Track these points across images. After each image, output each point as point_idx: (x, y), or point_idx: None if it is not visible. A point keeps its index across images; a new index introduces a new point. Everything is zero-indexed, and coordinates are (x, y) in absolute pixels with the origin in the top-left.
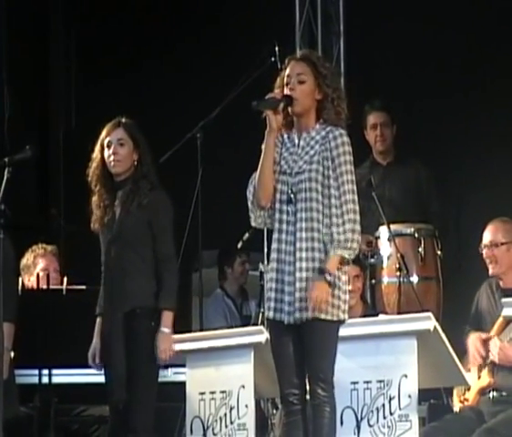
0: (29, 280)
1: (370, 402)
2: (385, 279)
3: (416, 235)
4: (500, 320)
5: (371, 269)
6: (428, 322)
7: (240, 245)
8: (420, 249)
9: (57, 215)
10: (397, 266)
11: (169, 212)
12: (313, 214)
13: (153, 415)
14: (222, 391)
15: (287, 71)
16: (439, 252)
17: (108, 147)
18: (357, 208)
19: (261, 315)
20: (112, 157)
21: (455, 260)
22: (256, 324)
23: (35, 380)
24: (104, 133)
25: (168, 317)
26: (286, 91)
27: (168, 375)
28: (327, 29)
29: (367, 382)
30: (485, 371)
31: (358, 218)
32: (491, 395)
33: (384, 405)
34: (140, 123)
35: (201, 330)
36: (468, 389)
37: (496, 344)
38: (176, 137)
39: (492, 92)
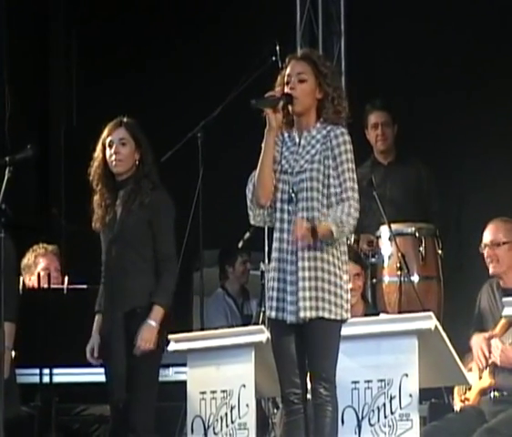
0: (30, 280)
1: (371, 402)
2: (386, 279)
3: (417, 234)
4: (503, 321)
5: (372, 268)
6: (429, 322)
7: (240, 244)
8: (421, 249)
9: (58, 214)
10: (398, 265)
11: (171, 212)
12: (314, 213)
13: (154, 415)
14: (223, 391)
15: (287, 70)
16: (440, 252)
17: (110, 146)
18: (356, 196)
19: (262, 314)
20: (114, 157)
21: (455, 260)
22: (257, 323)
23: (36, 379)
24: (105, 132)
25: (157, 311)
26: (286, 90)
27: (169, 374)
28: (328, 29)
29: (368, 382)
30: (486, 372)
31: (357, 206)
32: (492, 395)
33: (384, 404)
34: (141, 122)
35: (202, 329)
36: (469, 388)
37: (498, 346)
38: (177, 136)
39: (493, 92)
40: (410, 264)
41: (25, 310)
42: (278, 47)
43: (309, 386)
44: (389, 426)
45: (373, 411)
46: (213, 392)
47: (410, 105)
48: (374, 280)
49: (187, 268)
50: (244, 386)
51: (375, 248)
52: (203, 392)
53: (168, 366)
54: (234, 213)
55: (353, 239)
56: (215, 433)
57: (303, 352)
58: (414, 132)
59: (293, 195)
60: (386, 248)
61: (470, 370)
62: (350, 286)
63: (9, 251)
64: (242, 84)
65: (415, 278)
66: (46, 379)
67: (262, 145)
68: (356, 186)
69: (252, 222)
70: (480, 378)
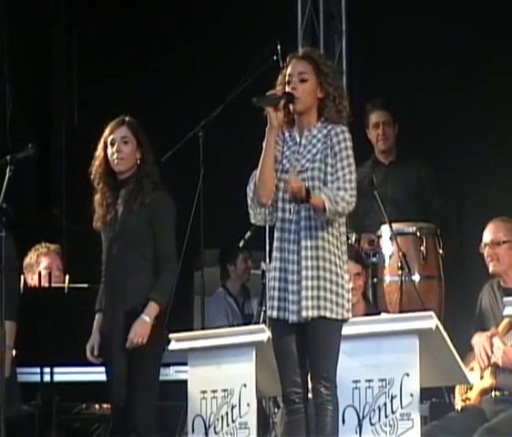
0: (32, 279)
1: (372, 401)
2: (387, 278)
3: (418, 234)
4: (505, 321)
5: (373, 267)
6: (430, 321)
7: (241, 243)
8: (422, 248)
9: (59, 213)
10: (399, 265)
11: (172, 212)
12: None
13: (154, 413)
14: (224, 390)
15: (288, 69)
16: (441, 251)
17: (112, 145)
18: (354, 190)
19: (262, 314)
20: (116, 155)
21: (456, 259)
22: (258, 323)
23: (37, 378)
24: (107, 131)
25: (152, 308)
26: (288, 89)
27: (170, 373)
28: (329, 28)
29: (369, 381)
30: (487, 372)
31: (353, 198)
32: (493, 394)
33: (385, 404)
34: (142, 122)
35: (203, 328)
36: (470, 388)
37: (500, 347)
38: (178, 135)
39: (494, 91)
40: (411, 263)
41: (25, 309)
42: (279, 47)
43: (310, 385)
44: (390, 425)
45: (373, 410)
46: (214, 392)
47: (411, 104)
48: (375, 280)
49: (188, 267)
50: (245, 385)
51: (376, 247)
52: (204, 391)
53: (168, 365)
54: (235, 212)
55: (354, 239)
56: (216, 432)
57: (304, 352)
58: (414, 131)
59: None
60: (387, 247)
61: (471, 369)
62: (351, 285)
63: (10, 250)
64: (243, 83)
65: (416, 277)
66: (46, 378)
67: (263, 144)
68: (355, 181)
69: (253, 221)
70: (481, 378)
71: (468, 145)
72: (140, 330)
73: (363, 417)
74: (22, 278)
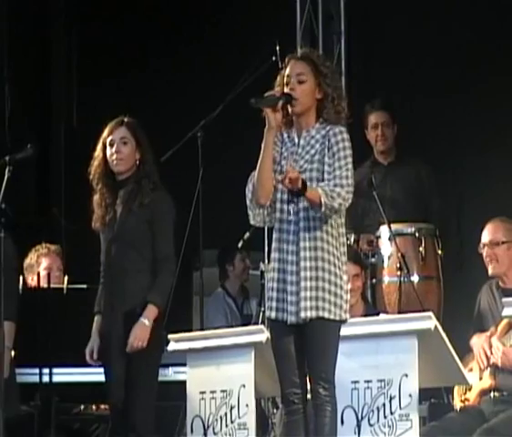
0: (33, 280)
1: (370, 402)
2: (386, 279)
3: (417, 234)
4: (504, 321)
5: (371, 268)
6: (429, 322)
7: (240, 244)
8: (421, 249)
9: (58, 214)
10: (398, 265)
11: (171, 212)
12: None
13: (153, 414)
14: (223, 391)
15: (287, 70)
16: (440, 251)
17: (111, 145)
18: (351, 187)
19: (261, 314)
20: (115, 156)
21: (455, 260)
22: (257, 323)
23: (36, 378)
24: (106, 131)
25: (151, 310)
26: (286, 90)
27: (169, 374)
28: (328, 28)
29: (368, 382)
30: (486, 373)
31: (350, 195)
32: (492, 395)
33: (384, 405)
34: (142, 122)
35: (202, 329)
36: (469, 389)
37: (499, 348)
38: (177, 135)
39: (493, 92)
40: (410, 264)
41: (24, 310)
42: (278, 47)
43: (309, 386)
44: (389, 426)
45: (372, 411)
46: (213, 392)
47: (410, 105)
48: (374, 280)
49: (187, 267)
50: (244, 386)
51: (375, 248)
52: (203, 392)
53: (167, 366)
54: (234, 213)
55: (353, 239)
56: (215, 433)
57: (303, 352)
58: (414, 132)
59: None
60: (386, 248)
61: (470, 370)
62: (349, 286)
63: (9, 251)
64: (242, 83)
65: (415, 278)
66: (45, 378)
67: (262, 145)
68: (352, 179)
69: (252, 222)
70: (480, 378)
71: (468, 145)
72: (140, 334)
73: (362, 418)
74: (21, 278)
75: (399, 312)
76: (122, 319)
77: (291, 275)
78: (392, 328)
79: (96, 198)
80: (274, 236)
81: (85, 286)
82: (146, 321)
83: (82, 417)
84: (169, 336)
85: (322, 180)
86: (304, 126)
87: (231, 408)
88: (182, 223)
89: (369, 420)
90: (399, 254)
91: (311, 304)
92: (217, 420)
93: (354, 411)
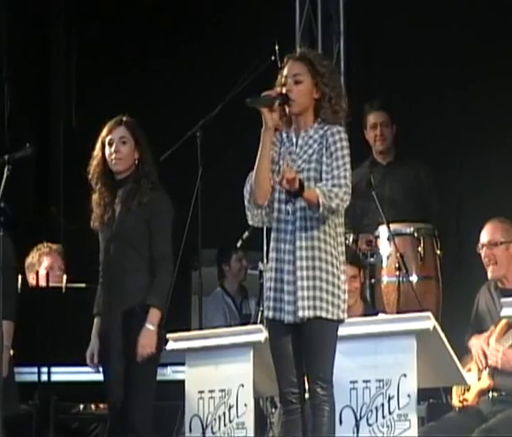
0: (34, 279)
1: (369, 402)
2: (385, 279)
3: (416, 234)
4: (502, 322)
5: (370, 268)
6: (427, 322)
7: (239, 244)
8: (419, 249)
9: (57, 213)
10: (397, 265)
11: (169, 212)
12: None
13: (152, 413)
14: (221, 390)
15: (285, 71)
16: (438, 252)
17: (110, 145)
18: (349, 188)
19: (260, 314)
20: (114, 155)
21: (454, 260)
22: (256, 323)
23: (35, 378)
24: (105, 131)
25: (154, 314)
26: (283, 91)
27: (168, 373)
28: (327, 28)
29: (366, 382)
30: (485, 373)
31: (348, 196)
32: (490, 395)
33: (383, 404)
34: (141, 121)
35: (201, 328)
36: (468, 389)
37: (499, 349)
38: (176, 135)
39: (493, 91)
40: (409, 264)
41: (23, 309)
42: (277, 47)
43: (307, 386)
44: (387, 426)
45: (371, 411)
46: (211, 392)
47: (409, 105)
48: (373, 280)
49: (185, 267)
50: (242, 385)
51: (374, 248)
52: (201, 391)
53: (166, 365)
54: (233, 212)
55: (351, 239)
56: (213, 432)
57: (301, 352)
58: (413, 132)
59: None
60: (385, 248)
61: (469, 370)
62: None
63: (8, 250)
64: (242, 83)
65: (414, 278)
66: (44, 377)
67: (259, 145)
68: (349, 179)
69: (250, 223)
70: (479, 379)
71: (467, 145)
72: (147, 341)
73: (361, 417)
74: (20, 277)
75: (398, 312)
76: (121, 318)
77: (288, 274)
78: (390, 328)
79: (94, 197)
80: (272, 235)
81: (83, 285)
82: (151, 327)
83: (81, 416)
84: (168, 335)
85: (320, 180)
86: (302, 125)
87: (230, 407)
88: (181, 222)
89: (367, 420)
90: (398, 254)
91: (308, 304)
92: (215, 419)
93: (353, 410)
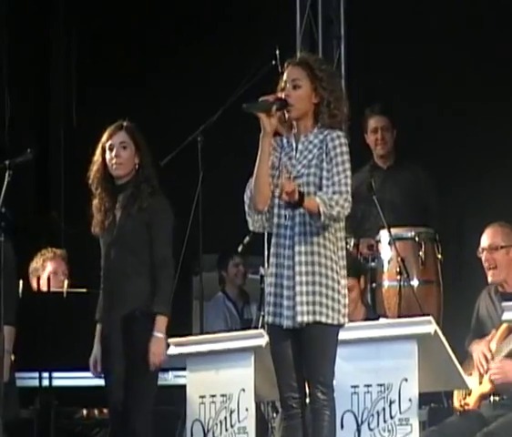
0: (39, 283)
1: (370, 406)
2: (386, 283)
3: (417, 239)
4: (504, 326)
5: (371, 272)
6: (429, 326)
7: (240, 248)
8: (420, 253)
9: (58, 218)
10: (398, 269)
11: (169, 218)
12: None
13: (152, 418)
14: (223, 395)
15: (284, 76)
16: (439, 256)
17: (110, 149)
18: (349, 195)
19: (261, 318)
20: (114, 160)
21: (455, 264)
22: (257, 328)
23: (36, 382)
24: (105, 136)
25: (161, 321)
26: (281, 95)
27: (169, 378)
28: (328, 33)
29: (368, 386)
30: (486, 377)
31: (348, 204)
32: (492, 399)
33: (384, 409)
34: (141, 126)
35: (202, 333)
36: (469, 393)
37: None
38: (177, 140)
39: (493, 96)
40: (410, 268)
41: (24, 314)
42: (278, 51)
43: (307, 390)
44: (388, 431)
45: (372, 415)
46: (213, 396)
47: (410, 109)
48: (374, 285)
49: (186, 272)
50: (244, 390)
51: (375, 252)
52: (203, 396)
53: (167, 370)
54: (234, 217)
55: (352, 244)
56: None
57: (301, 357)
58: (413, 137)
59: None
60: (386, 252)
61: (470, 374)
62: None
63: (9, 255)
64: (242, 88)
65: (415, 282)
66: (45, 382)
67: (259, 150)
68: (350, 186)
69: (251, 228)
70: (480, 383)
71: (468, 149)
72: (157, 349)
73: (362, 422)
74: (21, 282)
75: (399, 316)
76: (121, 322)
77: (287, 280)
78: (392, 332)
79: (95, 202)
80: (272, 241)
81: (84, 290)
82: (159, 335)
83: (82, 421)
84: (169, 340)
85: (320, 185)
86: (302, 130)
87: (231, 412)
88: (182, 227)
89: (369, 424)
90: (399, 258)
91: (307, 309)
92: (217, 424)
93: (354, 415)
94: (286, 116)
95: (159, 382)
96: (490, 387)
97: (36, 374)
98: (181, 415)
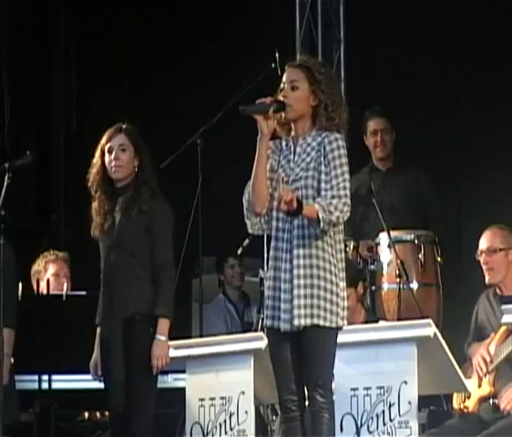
0: (40, 285)
1: (370, 409)
2: (385, 286)
3: (416, 241)
4: (502, 329)
5: (371, 275)
6: (428, 329)
7: (240, 251)
8: (420, 256)
9: (58, 220)
10: (397, 272)
11: (169, 220)
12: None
13: (152, 420)
14: (222, 398)
15: (283, 77)
16: (439, 259)
17: (110, 152)
18: (348, 198)
19: (261, 321)
20: (114, 163)
21: (455, 267)
22: (257, 330)
23: (36, 385)
24: (105, 138)
25: (163, 324)
26: (279, 97)
27: (168, 381)
28: (327, 35)
29: (367, 389)
30: (485, 380)
31: (348, 208)
32: (491, 402)
33: (383, 412)
34: (141, 128)
35: (201, 336)
36: (468, 396)
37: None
38: (176, 142)
39: (493, 99)
40: (409, 271)
41: (24, 316)
42: (277, 54)
43: (306, 393)
44: (388, 433)
45: (372, 418)
46: (212, 399)
47: (409, 111)
48: (374, 288)
49: (186, 274)
50: (243, 393)
51: (375, 254)
52: (202, 399)
53: (167, 373)
54: (234, 220)
55: (352, 246)
56: None
57: (300, 360)
58: (412, 139)
59: None
60: (385, 255)
61: (469, 377)
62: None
63: (8, 257)
64: (242, 90)
65: (415, 285)
66: (44, 385)
67: (256, 153)
68: (349, 190)
69: (250, 231)
70: (479, 386)
71: (467, 152)
72: (160, 352)
73: (362, 425)
74: (20, 285)
75: (398, 319)
76: (121, 325)
77: (284, 283)
78: (391, 335)
79: (94, 205)
80: (271, 244)
81: (84, 293)
82: (162, 337)
83: (81, 424)
84: (169, 343)
85: (318, 188)
86: (301, 133)
87: (231, 415)
88: (182, 230)
89: (368, 427)
90: (398, 261)
91: (305, 312)
92: (216, 427)
93: (354, 418)
94: (283, 117)
95: (159, 385)
96: (489, 390)
97: (36, 377)
98: (181, 418)
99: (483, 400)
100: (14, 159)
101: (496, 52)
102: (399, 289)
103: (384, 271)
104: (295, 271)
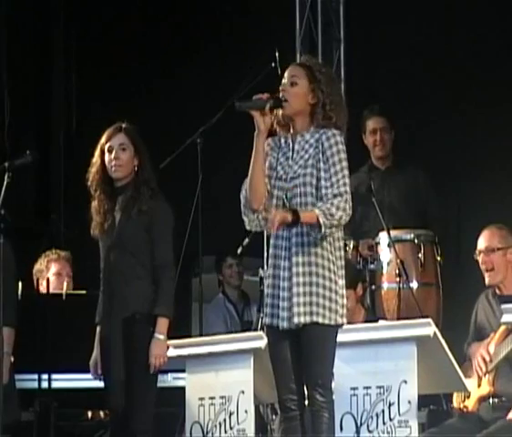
0: (41, 285)
1: (369, 408)
2: (385, 285)
3: (416, 241)
4: (502, 328)
5: (371, 274)
6: (428, 328)
7: (239, 250)
8: (420, 255)
9: (58, 220)
10: (397, 272)
11: (169, 219)
12: None
13: (152, 420)
14: (222, 397)
15: (285, 75)
16: (439, 258)
17: (109, 151)
18: (349, 195)
19: (261, 320)
20: (114, 162)
21: (454, 266)
22: (257, 329)
23: (35, 384)
24: (104, 138)
25: (162, 323)
26: (276, 93)
27: (168, 380)
28: (327, 35)
29: (367, 388)
30: (485, 380)
31: (350, 204)
32: (491, 401)
33: (383, 411)
34: (141, 128)
35: (201, 335)
36: (468, 396)
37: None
38: (176, 142)
39: (492, 98)
40: (409, 270)
41: (24, 316)
42: (277, 54)
43: (306, 392)
44: (388, 433)
45: (371, 417)
46: (212, 398)
47: (408, 111)
48: (373, 287)
49: (186, 274)
50: (243, 392)
51: (375, 254)
52: (202, 398)
53: (166, 372)
54: (234, 219)
55: (352, 245)
56: None
57: (299, 358)
58: (412, 138)
59: (286, 200)
60: (385, 254)
61: (469, 377)
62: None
63: (8, 257)
64: (242, 90)
65: (414, 284)
66: (44, 384)
67: (253, 149)
68: (349, 185)
69: (248, 227)
70: (479, 385)
71: (466, 151)
72: (158, 351)
73: (361, 424)
74: (20, 284)
75: (398, 319)
76: (121, 325)
77: (283, 281)
78: (391, 334)
79: (94, 204)
80: (271, 242)
81: (84, 292)
82: (160, 336)
83: (81, 423)
84: (168, 342)
85: (317, 185)
86: (299, 130)
87: (230, 414)
88: (182, 229)
89: (368, 426)
90: (398, 260)
91: (304, 310)
92: (216, 426)
93: (353, 417)
94: (280, 113)
95: (159, 384)
96: (489, 389)
97: (36, 376)
98: (180, 417)
99: (482, 399)
100: (13, 159)
101: (496, 52)
102: (399, 288)
103: (384, 271)
104: (294, 269)
